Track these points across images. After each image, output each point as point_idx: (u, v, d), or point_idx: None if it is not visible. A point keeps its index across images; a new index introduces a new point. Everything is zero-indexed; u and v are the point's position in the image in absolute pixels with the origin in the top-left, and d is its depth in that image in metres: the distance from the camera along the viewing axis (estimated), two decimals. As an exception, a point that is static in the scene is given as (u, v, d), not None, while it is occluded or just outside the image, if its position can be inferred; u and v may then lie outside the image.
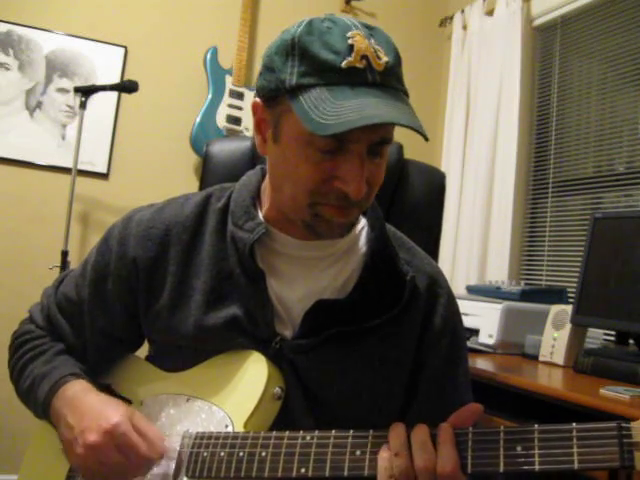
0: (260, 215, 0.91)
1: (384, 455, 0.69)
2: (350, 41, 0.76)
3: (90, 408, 0.83)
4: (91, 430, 0.80)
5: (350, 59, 0.75)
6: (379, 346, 0.88)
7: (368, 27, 0.80)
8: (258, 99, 0.85)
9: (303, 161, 0.78)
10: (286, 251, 0.90)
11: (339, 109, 0.72)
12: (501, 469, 0.64)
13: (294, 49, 0.77)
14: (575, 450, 0.61)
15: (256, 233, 0.87)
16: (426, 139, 0.75)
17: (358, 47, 0.75)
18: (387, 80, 0.77)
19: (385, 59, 0.77)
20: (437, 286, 0.94)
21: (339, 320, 0.86)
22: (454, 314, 0.95)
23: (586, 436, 0.61)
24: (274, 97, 0.80)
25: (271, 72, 0.80)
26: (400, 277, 0.89)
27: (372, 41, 0.77)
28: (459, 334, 0.96)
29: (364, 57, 0.75)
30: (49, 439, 0.92)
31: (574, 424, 0.63)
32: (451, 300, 0.95)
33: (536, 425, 0.65)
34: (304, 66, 0.76)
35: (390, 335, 0.89)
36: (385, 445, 0.70)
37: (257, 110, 0.85)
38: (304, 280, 0.89)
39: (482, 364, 1.63)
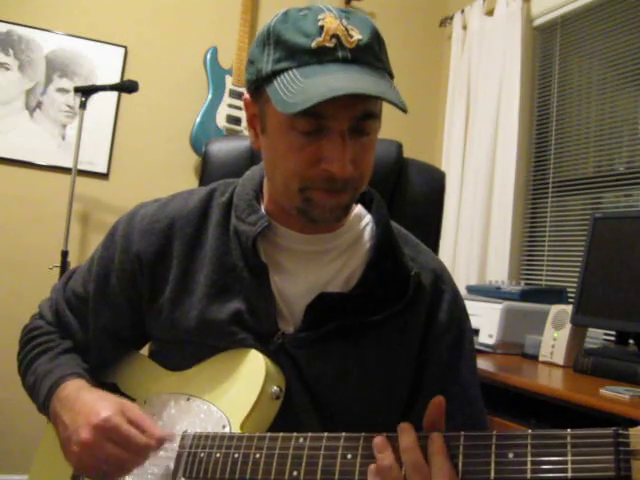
0: (262, 209, 0.91)
1: None
2: (320, 23, 0.77)
3: (82, 406, 0.83)
4: (83, 427, 0.79)
5: (319, 39, 0.76)
6: (382, 342, 0.87)
7: (345, 11, 0.81)
8: (247, 95, 0.87)
9: (288, 147, 0.79)
10: (288, 245, 0.90)
11: (307, 86, 0.73)
12: (492, 476, 0.62)
13: (269, 38, 0.79)
14: (569, 458, 0.58)
15: (259, 226, 0.86)
16: (404, 111, 0.75)
17: (328, 27, 0.76)
18: (360, 56, 0.77)
19: (358, 37, 0.77)
20: (442, 282, 0.94)
21: (342, 314, 0.85)
22: (459, 310, 0.95)
23: (581, 443, 0.58)
24: (257, 88, 0.82)
25: (252, 64, 0.82)
26: (404, 273, 0.89)
27: (344, 21, 0.78)
28: (465, 330, 0.94)
29: (334, 36, 0.76)
30: (58, 438, 0.91)
31: (569, 430, 0.60)
32: (456, 296, 0.95)
33: (529, 430, 0.62)
34: (278, 52, 0.78)
35: (393, 331, 0.88)
36: (374, 468, 0.67)
37: (248, 106, 0.88)
38: (307, 275, 0.89)
39: (482, 364, 1.63)
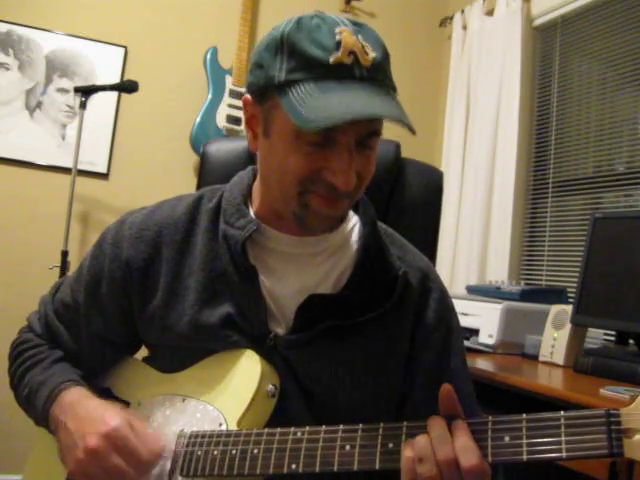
0: (251, 213, 0.91)
1: (408, 455, 0.67)
2: (338, 37, 0.76)
3: (89, 413, 0.83)
4: (91, 434, 0.79)
5: (338, 55, 0.76)
6: (372, 341, 0.88)
7: (356, 24, 0.81)
8: (248, 95, 0.86)
9: (292, 153, 0.79)
10: (278, 247, 0.90)
11: (326, 103, 0.73)
12: (489, 460, 0.64)
13: (283, 45, 0.78)
14: (563, 439, 0.60)
15: (247, 230, 0.87)
16: (413, 132, 0.76)
17: (345, 42, 0.76)
18: (374, 75, 0.78)
19: (373, 55, 0.78)
20: (429, 281, 0.95)
21: (332, 315, 0.86)
22: (447, 308, 0.96)
23: (574, 424, 0.60)
24: (264, 93, 0.81)
25: (260, 68, 0.82)
26: (392, 272, 0.90)
27: (360, 37, 0.78)
28: (453, 328, 0.95)
29: (352, 53, 0.76)
30: (52, 440, 0.91)
31: (562, 412, 0.62)
32: (443, 295, 0.96)
33: (524, 414, 0.64)
34: (293, 62, 0.77)
35: (383, 330, 0.89)
36: (409, 444, 0.68)
37: (248, 106, 0.87)
38: (297, 276, 0.90)
39: (482, 364, 1.63)
